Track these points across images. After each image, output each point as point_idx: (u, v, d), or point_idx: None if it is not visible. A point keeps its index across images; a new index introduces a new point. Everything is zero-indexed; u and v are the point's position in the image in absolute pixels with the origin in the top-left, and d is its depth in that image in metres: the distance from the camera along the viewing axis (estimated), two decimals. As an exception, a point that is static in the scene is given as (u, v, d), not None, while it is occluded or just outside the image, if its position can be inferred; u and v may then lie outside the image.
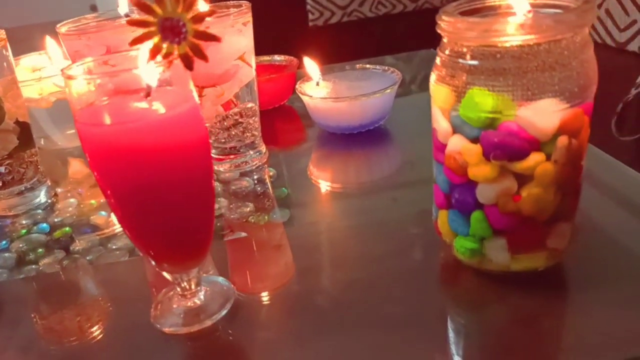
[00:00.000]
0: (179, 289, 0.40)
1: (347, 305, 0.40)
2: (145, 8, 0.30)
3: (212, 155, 0.61)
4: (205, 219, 0.38)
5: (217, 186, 0.59)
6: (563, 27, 0.31)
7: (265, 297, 0.43)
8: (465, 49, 0.33)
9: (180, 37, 0.31)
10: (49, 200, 0.60)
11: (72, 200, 0.60)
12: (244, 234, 0.51)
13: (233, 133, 0.59)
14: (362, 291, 0.41)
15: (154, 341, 0.39)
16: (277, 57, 0.80)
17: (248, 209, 0.54)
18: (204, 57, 0.31)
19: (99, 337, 0.40)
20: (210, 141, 0.60)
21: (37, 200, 0.60)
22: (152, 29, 0.31)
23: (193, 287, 0.40)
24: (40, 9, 3.62)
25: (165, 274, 0.39)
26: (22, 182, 0.58)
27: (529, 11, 0.33)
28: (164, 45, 0.31)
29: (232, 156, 0.60)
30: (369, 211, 0.53)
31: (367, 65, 0.70)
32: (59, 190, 0.63)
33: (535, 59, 0.31)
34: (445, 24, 0.33)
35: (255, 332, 0.39)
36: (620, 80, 1.08)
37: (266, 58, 0.80)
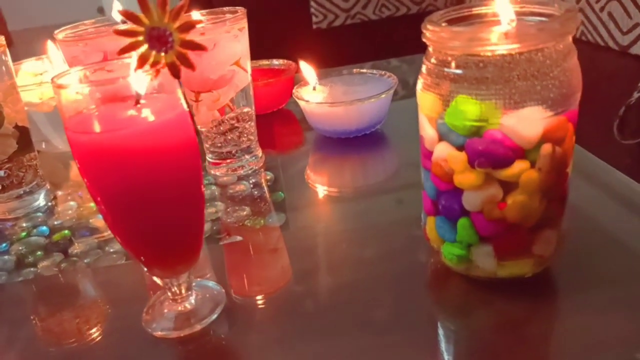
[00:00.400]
0: (169, 294, 0.40)
1: (337, 309, 0.41)
2: (132, 18, 0.31)
3: (209, 159, 0.62)
4: (194, 225, 0.38)
5: (215, 190, 0.60)
6: (546, 36, 0.31)
7: (256, 300, 0.43)
8: (449, 58, 0.33)
9: (167, 46, 0.31)
10: (49, 204, 0.61)
11: (72, 203, 0.61)
12: (239, 238, 0.51)
13: (229, 137, 0.59)
14: (353, 295, 0.42)
15: (146, 345, 0.39)
16: (275, 62, 0.80)
17: (245, 213, 0.55)
18: (190, 66, 0.32)
19: (93, 340, 0.41)
20: (207, 145, 0.61)
21: (36, 203, 0.60)
22: (140, 38, 0.31)
23: (183, 291, 0.40)
24: (48, 12, 3.65)
25: (156, 278, 0.39)
26: (22, 185, 0.59)
27: (512, 20, 0.33)
28: (152, 54, 0.32)
29: (228, 160, 0.61)
30: (363, 215, 0.53)
31: (364, 70, 0.71)
32: (59, 193, 0.64)
33: (517, 67, 0.31)
34: (430, 33, 0.33)
35: (245, 335, 0.39)
36: (622, 83, 1.08)
37: (265, 62, 0.81)
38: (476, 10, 0.36)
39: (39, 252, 0.53)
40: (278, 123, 0.76)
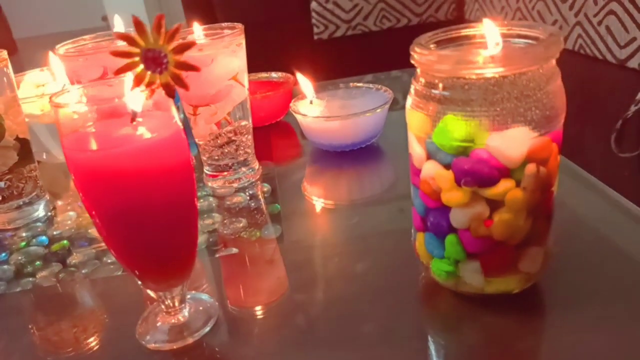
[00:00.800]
0: (163, 307, 0.41)
1: (328, 323, 0.41)
2: (129, 40, 0.32)
3: (206, 172, 0.63)
4: (188, 240, 0.39)
5: (212, 202, 0.61)
6: (530, 60, 0.32)
7: (249, 313, 0.44)
8: (437, 80, 0.34)
9: (162, 67, 0.32)
10: (48, 214, 0.62)
11: (71, 213, 0.62)
12: (235, 250, 0.52)
13: (226, 150, 0.60)
14: (344, 308, 0.42)
15: (140, 356, 0.40)
16: (274, 74, 0.81)
17: (241, 225, 0.56)
18: (184, 86, 0.33)
19: (89, 350, 0.42)
20: (204, 158, 0.62)
21: (36, 214, 0.61)
22: (136, 59, 0.33)
23: (177, 304, 0.41)
24: (53, 20, 3.69)
25: (149, 291, 0.40)
26: (21, 196, 0.60)
27: (497, 43, 0.34)
28: (147, 75, 0.33)
29: (225, 173, 0.62)
30: (357, 228, 0.54)
31: (360, 84, 0.72)
32: (59, 203, 0.65)
33: (500, 90, 0.32)
34: (418, 55, 0.34)
35: (237, 348, 0.40)
36: (620, 97, 1.09)
37: (264, 75, 0.82)
38: (464, 32, 0.37)
39: (37, 262, 0.54)
40: (276, 135, 0.77)
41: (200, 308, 0.43)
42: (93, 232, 0.58)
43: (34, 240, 0.58)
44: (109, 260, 0.53)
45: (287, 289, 0.46)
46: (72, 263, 0.53)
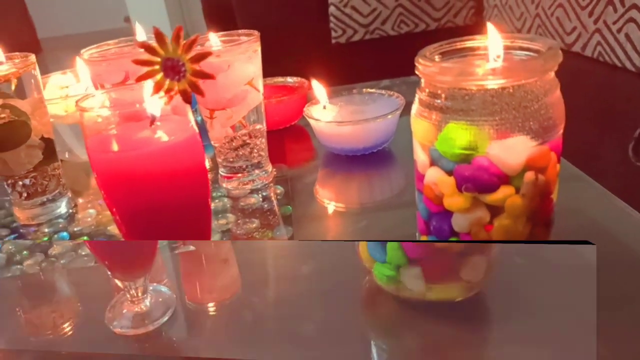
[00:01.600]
0: (128, 296, 0.44)
1: (276, 321, 0.44)
2: (149, 49, 0.34)
3: (221, 173, 0.65)
4: (201, 238, 0.41)
5: (227, 202, 0.63)
6: (527, 73, 0.33)
7: (204, 307, 0.47)
8: (439, 90, 0.36)
9: (180, 75, 0.34)
10: (70, 211, 0.65)
11: (91, 211, 0.65)
12: (192, 248, 0.54)
13: (241, 153, 0.62)
14: (293, 308, 0.45)
15: (108, 339, 0.44)
16: (289, 79, 0.83)
17: (254, 225, 0.57)
18: (200, 93, 0.35)
19: (63, 333, 0.45)
20: (219, 160, 0.64)
21: (58, 210, 0.64)
22: (156, 67, 0.35)
23: (140, 294, 0.44)
24: (77, 21, 3.76)
25: (117, 281, 0.43)
26: (45, 193, 0.63)
27: (498, 56, 0.35)
28: (166, 82, 0.35)
29: (239, 174, 0.64)
30: (366, 232, 0.55)
31: (372, 90, 0.73)
32: (80, 201, 0.67)
33: (499, 101, 0.33)
34: (422, 66, 0.36)
35: (189, 338, 0.43)
36: (639, 105, 1.08)
37: (280, 79, 0.84)
38: (469, 44, 0.39)
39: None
40: (290, 139, 0.79)
41: (160, 299, 0.46)
42: (112, 229, 0.60)
43: (55, 235, 0.60)
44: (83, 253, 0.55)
45: (245, 287, 0.49)
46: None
